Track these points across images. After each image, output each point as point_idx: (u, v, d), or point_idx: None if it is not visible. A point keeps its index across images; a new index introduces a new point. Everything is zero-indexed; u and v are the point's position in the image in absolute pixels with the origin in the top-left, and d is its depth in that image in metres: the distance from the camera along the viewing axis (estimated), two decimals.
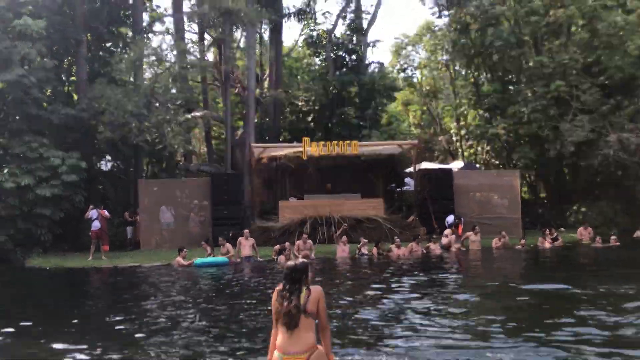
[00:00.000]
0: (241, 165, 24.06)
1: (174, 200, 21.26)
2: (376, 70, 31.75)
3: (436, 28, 34.52)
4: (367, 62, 31.72)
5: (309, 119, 30.72)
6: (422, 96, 37.62)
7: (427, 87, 38.31)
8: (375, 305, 8.85)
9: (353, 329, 7.10)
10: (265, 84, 30.92)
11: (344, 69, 29.83)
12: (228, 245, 16.74)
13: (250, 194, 22.05)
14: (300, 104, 30.27)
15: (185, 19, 25.55)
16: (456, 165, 28.22)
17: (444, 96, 37.51)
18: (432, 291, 10.15)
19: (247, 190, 22.03)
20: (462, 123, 32.23)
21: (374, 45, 33.56)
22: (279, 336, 4.43)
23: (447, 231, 18.90)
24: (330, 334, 4.62)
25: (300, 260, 4.70)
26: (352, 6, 31.52)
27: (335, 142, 21.16)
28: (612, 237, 18.47)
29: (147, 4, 28.72)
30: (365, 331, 7.04)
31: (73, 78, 24.90)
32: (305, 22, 32.67)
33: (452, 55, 30.97)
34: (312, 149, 20.70)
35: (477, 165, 30.27)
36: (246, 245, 16.59)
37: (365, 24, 31.62)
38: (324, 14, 35.59)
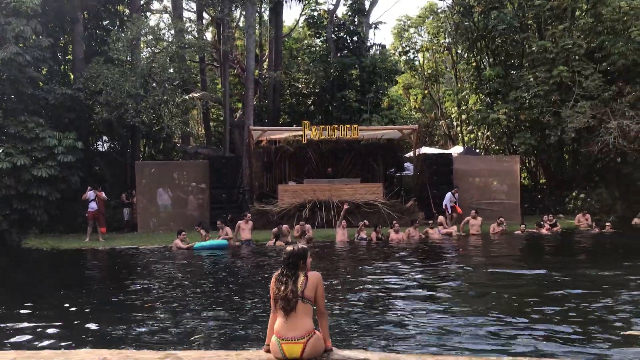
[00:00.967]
0: (240, 148, 23.90)
1: (172, 182, 21.14)
2: (377, 52, 31.43)
3: (439, 10, 34.23)
4: (368, 44, 31.39)
5: (309, 101, 30.47)
6: (423, 80, 37.38)
7: (429, 71, 38.07)
8: (366, 290, 8.75)
9: (349, 315, 6.99)
10: (265, 65, 30.62)
11: (345, 51, 29.52)
12: (227, 228, 16.62)
13: (249, 177, 21.92)
14: (300, 86, 30.00)
15: None
16: (456, 150, 28.12)
17: (445, 80, 37.29)
18: (423, 277, 10.05)
19: (245, 173, 21.89)
20: (463, 108, 32.04)
21: (376, 27, 33.24)
22: (276, 321, 4.44)
23: (441, 218, 18.80)
24: (327, 320, 4.58)
25: (299, 245, 4.65)
26: None
27: (336, 125, 21.00)
28: (607, 224, 18.51)
29: None
30: (359, 317, 6.93)
31: (69, 57, 24.62)
32: (306, 2, 32.29)
33: (454, 39, 30.71)
34: (312, 132, 20.54)
35: (477, 151, 30.15)
36: (245, 229, 16.46)
37: (367, 5, 31.24)
38: None
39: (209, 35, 29.74)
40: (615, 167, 23.43)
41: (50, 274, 13.02)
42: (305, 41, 34.94)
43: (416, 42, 38.07)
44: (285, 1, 29.76)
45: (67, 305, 8.19)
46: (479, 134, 31.55)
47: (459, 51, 32.91)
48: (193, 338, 6.21)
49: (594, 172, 25.28)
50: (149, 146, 27.68)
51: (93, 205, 18.08)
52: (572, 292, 8.16)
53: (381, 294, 8.56)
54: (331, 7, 31.12)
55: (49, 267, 14.28)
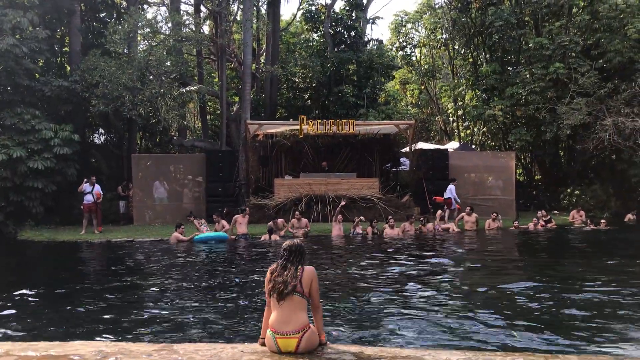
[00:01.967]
0: (236, 142, 23.91)
1: (168, 175, 21.17)
2: (375, 47, 31.42)
3: (436, 6, 34.22)
4: (366, 39, 31.37)
5: (306, 96, 30.47)
6: (420, 75, 37.38)
7: (426, 67, 38.07)
8: (360, 284, 8.81)
9: (343, 309, 7.05)
10: (262, 59, 30.56)
11: (343, 46, 29.50)
12: (223, 221, 16.66)
13: (246, 171, 21.94)
14: (297, 80, 29.98)
15: None
16: (452, 145, 28.19)
17: (442, 76, 37.31)
18: (417, 271, 10.11)
19: (242, 167, 21.91)
20: (459, 103, 32.09)
21: (373, 22, 33.17)
22: (271, 316, 4.48)
23: (439, 212, 18.88)
24: (322, 314, 4.62)
25: (296, 240, 4.69)
26: None
27: (332, 120, 21.04)
28: (602, 221, 18.62)
29: None
30: (353, 311, 6.99)
31: (66, 49, 24.53)
32: None
33: (451, 34, 30.73)
34: (308, 127, 20.58)
35: (473, 146, 30.23)
36: (242, 223, 16.49)
37: (364, 0, 31.19)
38: None
39: (206, 29, 29.65)
40: (610, 164, 23.56)
41: (45, 265, 13.04)
42: (303, 36, 34.89)
43: (413, 37, 38.11)
44: None
45: (61, 296, 8.23)
46: (475, 129, 31.62)
47: (456, 47, 32.94)
48: (188, 331, 6.25)
49: (589, 168, 25.38)
50: (146, 139, 27.65)
51: (89, 198, 18.04)
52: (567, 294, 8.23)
53: (374, 289, 8.61)
54: (329, 1, 31.08)
55: (43, 259, 14.28)
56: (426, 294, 8.18)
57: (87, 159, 22.86)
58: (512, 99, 24.13)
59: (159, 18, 23.47)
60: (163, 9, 29.05)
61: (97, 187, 18.36)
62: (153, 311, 7.27)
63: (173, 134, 27.49)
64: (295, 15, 35.63)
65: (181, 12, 26.39)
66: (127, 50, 22.71)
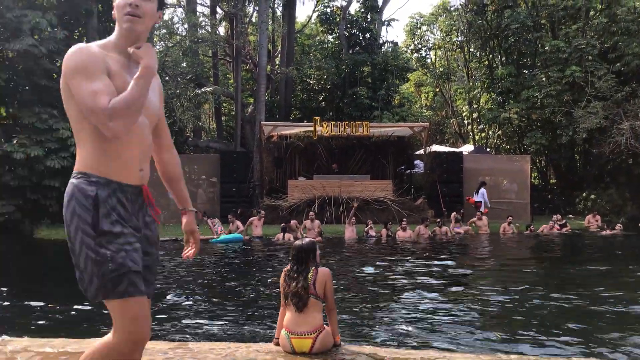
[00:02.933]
0: (250, 143, 24.02)
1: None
2: (389, 50, 31.39)
3: (452, 8, 34.10)
4: (380, 41, 31.35)
5: (320, 97, 30.53)
6: (435, 78, 37.28)
7: (441, 69, 37.95)
8: (373, 286, 8.81)
9: (357, 311, 7.06)
10: (277, 60, 30.68)
11: (357, 48, 29.51)
12: (237, 222, 16.73)
13: (260, 172, 22.02)
14: (311, 82, 30.05)
15: None
16: (467, 148, 28.07)
17: (457, 78, 37.16)
18: (430, 274, 10.09)
19: (256, 168, 22.00)
20: (474, 106, 31.95)
21: (388, 24, 33.23)
22: (286, 316, 4.47)
23: (454, 215, 18.78)
24: (336, 316, 4.62)
25: (307, 239, 4.68)
26: None
27: (346, 122, 21.06)
28: (618, 226, 18.41)
29: None
30: (367, 312, 7.00)
31: None
32: None
33: (467, 37, 30.61)
34: (322, 128, 20.61)
35: (488, 150, 30.09)
36: (258, 226, 16.57)
37: (380, 2, 31.18)
38: None
39: (222, 30, 29.85)
40: (627, 168, 23.33)
41: (60, 263, 13.16)
42: (318, 37, 34.97)
43: (428, 39, 38.00)
44: None
45: (75, 294, 8.32)
46: (490, 132, 31.47)
47: (472, 49, 32.80)
48: (202, 330, 6.30)
49: (605, 172, 25.15)
50: None
51: None
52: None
53: (388, 291, 8.61)
54: (344, 3, 31.15)
55: (59, 257, 14.43)
56: (439, 297, 8.16)
57: None
58: (527, 102, 23.99)
59: (176, 19, 23.67)
60: (179, 10, 29.30)
61: None
62: (168, 311, 7.33)
63: (188, 134, 27.67)
64: (310, 17, 35.74)
65: (197, 13, 26.59)
66: None
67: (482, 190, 20.01)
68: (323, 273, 4.53)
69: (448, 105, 37.19)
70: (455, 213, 18.99)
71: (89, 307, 7.37)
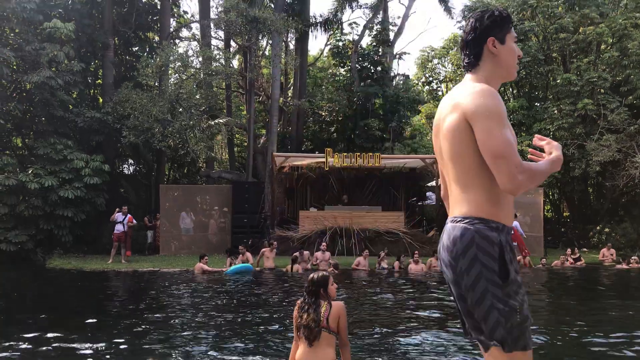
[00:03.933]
0: (262, 174, 24.09)
1: (195, 206, 21.37)
2: (401, 82, 31.60)
3: None
4: (392, 74, 31.58)
5: (332, 129, 30.68)
6: None
7: None
8: (384, 318, 8.71)
9: (368, 343, 6.97)
10: (289, 92, 30.98)
11: (369, 80, 29.75)
12: (248, 254, 16.64)
13: (271, 203, 22.03)
14: (323, 114, 30.25)
15: (211, 25, 25.75)
16: None
17: None
18: (440, 313, 9.95)
19: (268, 198, 22.02)
20: None
21: (400, 57, 33.47)
22: (298, 350, 4.41)
23: None
24: (349, 352, 4.55)
25: (321, 273, 4.63)
26: (379, 17, 31.44)
27: (358, 153, 21.10)
28: (633, 258, 18.12)
29: (175, 10, 29.03)
30: (379, 345, 6.90)
31: (99, 81, 25.22)
32: (332, 32, 32.71)
33: None
34: (334, 159, 20.65)
35: None
36: (270, 257, 16.44)
37: (392, 36, 31.52)
38: (350, 24, 35.32)
39: (235, 63, 30.27)
40: None
41: (74, 293, 13.17)
42: (330, 70, 35.30)
43: (439, 72, 38.20)
44: (311, 31, 30.25)
45: (89, 323, 8.29)
46: None
47: None
48: None
49: (619, 206, 24.91)
50: (174, 170, 28.06)
51: (119, 227, 18.22)
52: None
53: (402, 327, 8.50)
54: (356, 37, 31.48)
55: (71, 287, 14.43)
56: (453, 333, 8.04)
57: (116, 188, 23.24)
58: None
59: (190, 52, 23.97)
60: (194, 43, 29.74)
61: (129, 216, 18.64)
62: (177, 341, 7.27)
63: (201, 165, 27.85)
64: (322, 51, 36.17)
65: (212, 47, 27.00)
66: (159, 83, 23.27)
67: (515, 223, 19.82)
68: (337, 307, 4.47)
69: None
70: None
71: (111, 340, 7.33)
